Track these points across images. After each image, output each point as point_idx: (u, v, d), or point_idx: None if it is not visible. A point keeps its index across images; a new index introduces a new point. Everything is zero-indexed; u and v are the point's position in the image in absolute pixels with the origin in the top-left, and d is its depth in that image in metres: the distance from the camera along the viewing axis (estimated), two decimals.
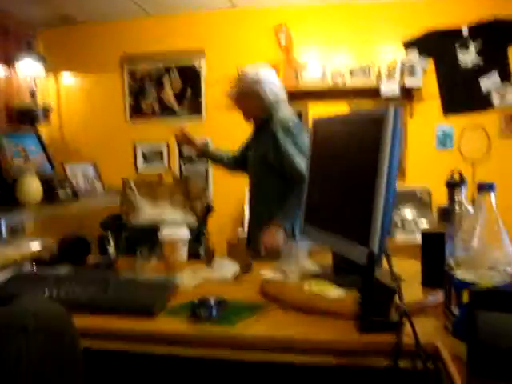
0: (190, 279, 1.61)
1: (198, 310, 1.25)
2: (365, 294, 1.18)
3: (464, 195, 1.57)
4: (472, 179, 3.71)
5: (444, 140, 3.96)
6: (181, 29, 4.25)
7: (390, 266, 1.22)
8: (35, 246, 1.88)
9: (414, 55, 3.83)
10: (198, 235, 2.71)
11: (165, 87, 4.30)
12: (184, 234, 1.76)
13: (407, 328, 1.07)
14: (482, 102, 3.88)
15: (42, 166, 3.58)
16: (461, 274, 1.04)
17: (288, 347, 1.17)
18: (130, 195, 2.84)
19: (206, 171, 4.27)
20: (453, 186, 1.58)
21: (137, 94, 4.36)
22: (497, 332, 0.84)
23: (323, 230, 1.55)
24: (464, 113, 3.91)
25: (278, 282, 1.50)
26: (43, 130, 4.31)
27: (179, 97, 4.29)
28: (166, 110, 4.32)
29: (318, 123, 1.64)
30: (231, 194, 4.08)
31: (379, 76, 3.87)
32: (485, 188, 1.03)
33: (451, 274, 1.11)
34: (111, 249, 1.76)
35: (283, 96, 2.44)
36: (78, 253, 1.83)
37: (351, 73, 3.91)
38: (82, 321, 1.27)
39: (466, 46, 3.86)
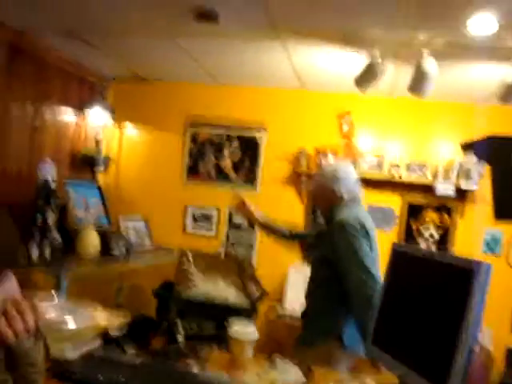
0: (256, 382, 1.66)
1: None
2: None
3: None
4: None
5: (492, 245, 3.97)
6: (246, 100, 4.39)
7: None
8: (105, 319, 1.94)
9: (471, 158, 3.89)
10: (249, 317, 2.77)
11: (224, 154, 4.41)
12: (254, 334, 1.81)
13: None
14: None
15: (99, 218, 3.71)
16: None
17: None
18: (187, 266, 2.91)
19: (253, 240, 4.33)
20: None
21: (196, 157, 4.47)
22: None
23: (393, 358, 1.59)
24: None
25: None
26: (100, 177, 4.48)
27: (237, 166, 4.39)
28: (222, 177, 4.42)
29: (398, 251, 1.70)
30: (275, 265, 4.13)
31: (435, 174, 3.92)
32: None
33: None
34: (181, 338, 1.81)
35: (357, 194, 2.43)
36: (144, 333, 1.90)
37: (407, 167, 3.99)
38: None
39: None
